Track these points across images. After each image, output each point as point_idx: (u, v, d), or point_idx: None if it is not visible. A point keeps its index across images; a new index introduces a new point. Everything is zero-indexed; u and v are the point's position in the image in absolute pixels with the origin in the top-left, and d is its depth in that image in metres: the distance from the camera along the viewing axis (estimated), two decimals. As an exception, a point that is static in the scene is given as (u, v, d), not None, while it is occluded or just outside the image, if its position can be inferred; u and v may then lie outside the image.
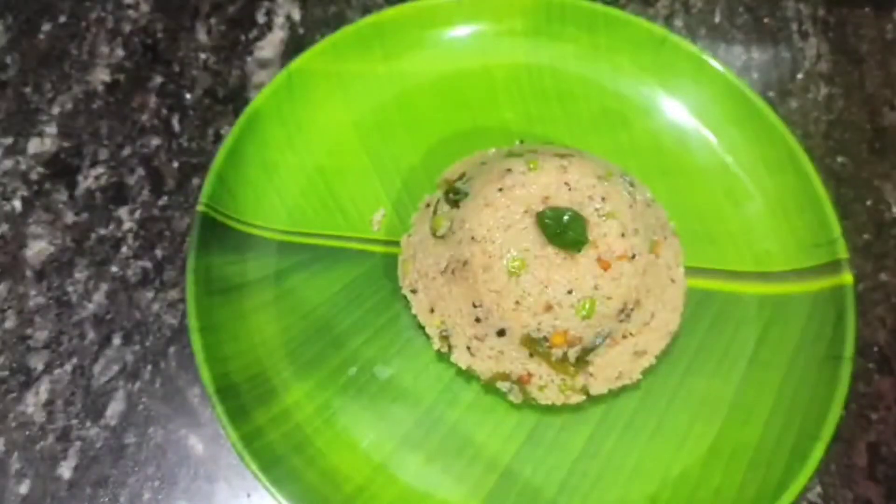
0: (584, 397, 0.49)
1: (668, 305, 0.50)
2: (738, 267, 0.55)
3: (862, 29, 0.68)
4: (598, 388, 0.48)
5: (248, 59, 0.64)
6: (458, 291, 0.49)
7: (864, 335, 0.50)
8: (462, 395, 0.50)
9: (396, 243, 0.54)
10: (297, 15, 0.66)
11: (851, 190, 0.60)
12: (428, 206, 0.54)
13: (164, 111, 0.61)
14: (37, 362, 0.51)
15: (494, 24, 0.62)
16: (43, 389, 0.51)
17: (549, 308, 0.46)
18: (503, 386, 0.49)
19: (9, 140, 0.59)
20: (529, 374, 0.48)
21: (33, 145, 0.59)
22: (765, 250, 0.55)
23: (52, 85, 0.62)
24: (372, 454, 0.48)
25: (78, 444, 0.49)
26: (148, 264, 0.55)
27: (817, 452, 0.46)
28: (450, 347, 0.49)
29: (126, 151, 0.59)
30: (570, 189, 0.49)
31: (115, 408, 0.50)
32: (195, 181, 0.58)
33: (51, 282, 0.54)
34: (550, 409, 0.49)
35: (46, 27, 0.64)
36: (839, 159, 0.61)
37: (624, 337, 0.49)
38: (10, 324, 0.52)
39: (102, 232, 0.56)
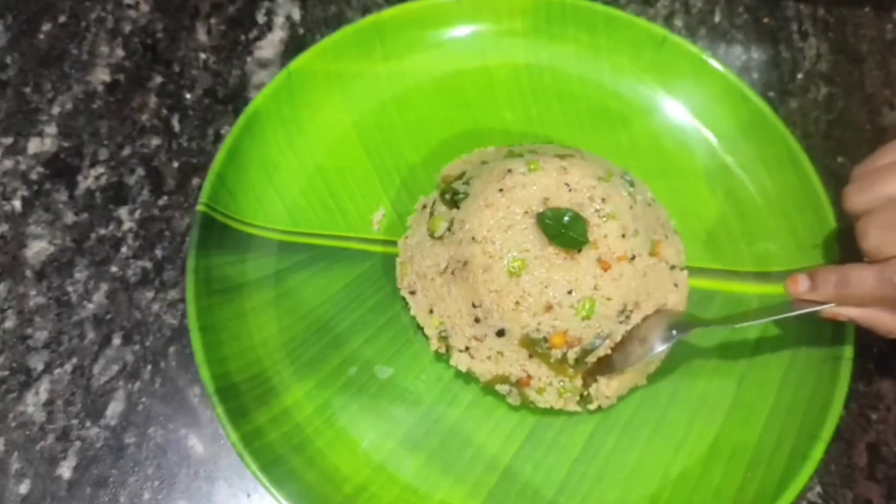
0: (580, 409, 0.49)
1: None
2: (738, 267, 0.55)
3: (862, 29, 0.68)
4: (608, 402, 0.48)
5: (248, 59, 0.64)
6: (457, 292, 0.49)
7: (864, 335, 0.50)
8: (462, 395, 0.50)
9: (397, 243, 0.54)
10: (297, 15, 0.66)
11: (851, 190, 0.60)
12: (424, 207, 0.54)
13: (164, 111, 0.61)
14: (37, 362, 0.51)
15: (494, 24, 0.62)
16: (43, 389, 0.51)
17: (548, 308, 0.46)
18: (502, 389, 0.49)
19: (9, 140, 0.59)
20: (529, 376, 0.48)
21: (33, 145, 0.59)
22: (765, 250, 0.55)
23: (52, 85, 0.62)
24: (372, 454, 0.48)
25: (78, 444, 0.49)
26: (148, 264, 0.55)
27: (817, 452, 0.46)
28: (448, 348, 0.49)
29: (126, 151, 0.59)
30: (570, 190, 0.49)
31: (115, 408, 0.50)
32: (195, 181, 0.58)
33: (51, 282, 0.54)
34: (550, 409, 0.49)
35: (46, 27, 0.64)
36: (839, 159, 0.61)
37: None
38: (10, 324, 0.52)
39: (102, 232, 0.56)
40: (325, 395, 0.49)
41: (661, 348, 0.47)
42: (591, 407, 0.48)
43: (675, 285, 0.51)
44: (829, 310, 0.46)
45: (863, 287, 0.44)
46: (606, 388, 0.48)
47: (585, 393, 0.48)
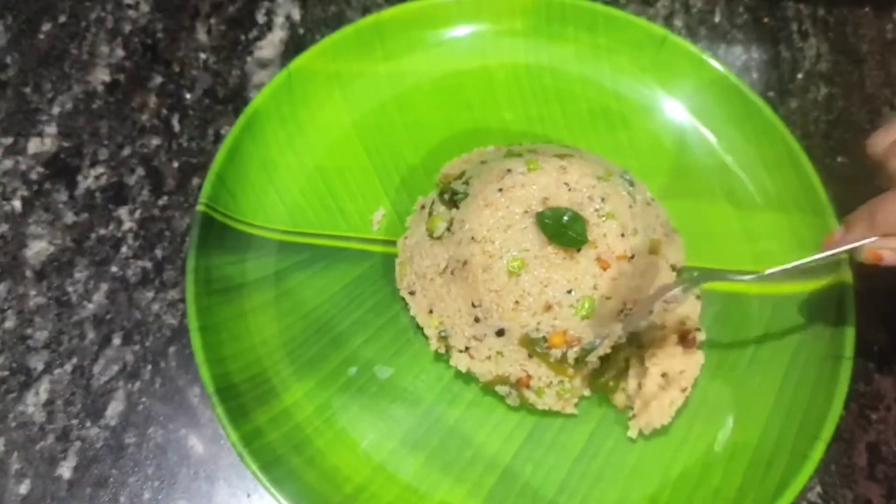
0: (576, 412, 0.49)
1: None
2: (738, 267, 0.55)
3: (862, 29, 0.68)
4: (649, 428, 0.48)
5: (248, 59, 0.64)
6: (457, 292, 0.49)
7: (864, 335, 0.50)
8: (462, 394, 0.50)
9: (396, 243, 0.54)
10: (297, 15, 0.66)
11: (851, 190, 0.60)
12: (423, 207, 0.54)
13: (164, 111, 0.61)
14: (37, 362, 0.51)
15: (494, 24, 0.62)
16: (43, 389, 0.51)
17: (548, 308, 0.46)
18: (502, 390, 0.49)
19: (9, 140, 0.59)
20: (528, 376, 0.48)
21: (33, 145, 0.59)
22: (765, 250, 0.55)
23: (52, 85, 0.62)
24: (372, 454, 0.48)
25: (78, 444, 0.49)
26: (148, 264, 0.55)
27: (817, 452, 0.46)
28: (448, 348, 0.49)
29: (126, 151, 0.59)
30: (569, 189, 0.49)
31: (115, 408, 0.50)
32: (195, 181, 0.58)
33: (51, 282, 0.54)
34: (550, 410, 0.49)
35: (46, 27, 0.64)
36: (839, 159, 0.61)
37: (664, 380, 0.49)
38: (10, 324, 0.52)
39: (102, 232, 0.56)
40: (325, 395, 0.49)
41: (678, 295, 0.47)
42: (631, 435, 0.48)
43: (698, 297, 0.51)
44: (869, 247, 0.42)
45: (890, 204, 0.41)
46: (658, 418, 0.48)
47: (630, 416, 0.48)
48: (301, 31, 0.65)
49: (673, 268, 0.51)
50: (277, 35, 0.65)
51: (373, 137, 0.58)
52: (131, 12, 0.66)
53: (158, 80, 0.62)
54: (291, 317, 0.51)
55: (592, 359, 0.48)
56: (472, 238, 0.48)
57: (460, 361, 0.49)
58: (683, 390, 0.49)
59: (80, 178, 0.58)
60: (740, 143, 0.58)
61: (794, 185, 0.55)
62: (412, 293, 0.51)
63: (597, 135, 0.59)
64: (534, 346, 0.47)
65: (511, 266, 0.47)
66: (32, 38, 0.64)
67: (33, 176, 0.58)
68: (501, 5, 0.62)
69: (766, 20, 0.68)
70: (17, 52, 0.63)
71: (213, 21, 0.65)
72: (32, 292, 0.54)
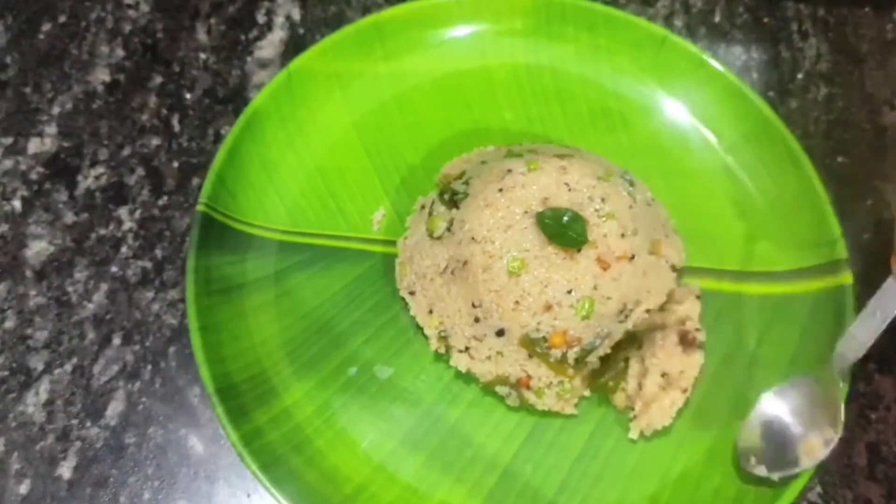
0: (576, 412, 0.49)
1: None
2: (738, 267, 0.55)
3: (862, 29, 0.68)
4: (650, 429, 0.48)
5: (248, 59, 0.64)
6: (457, 292, 0.49)
7: (863, 335, 0.50)
8: (462, 394, 0.50)
9: (396, 243, 0.54)
10: (297, 15, 0.66)
11: (851, 190, 0.60)
12: (423, 207, 0.54)
13: (164, 111, 0.61)
14: (37, 362, 0.51)
15: (494, 24, 0.62)
16: (43, 389, 0.51)
17: (548, 308, 0.46)
18: (502, 390, 0.49)
19: (9, 140, 0.59)
20: (528, 376, 0.48)
21: (33, 145, 0.59)
22: (765, 250, 0.55)
23: (52, 85, 0.62)
24: (372, 454, 0.48)
25: (78, 444, 0.49)
26: (148, 264, 0.55)
27: (817, 452, 0.46)
28: (448, 348, 0.49)
29: (126, 151, 0.59)
30: (569, 189, 0.49)
31: (115, 408, 0.50)
32: (195, 181, 0.58)
33: (51, 282, 0.54)
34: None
35: (46, 27, 0.64)
36: (839, 159, 0.61)
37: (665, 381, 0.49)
38: (10, 324, 0.52)
39: (102, 232, 0.56)
40: (325, 395, 0.49)
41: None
42: (632, 436, 0.48)
43: (697, 297, 0.51)
44: None
45: None
46: (659, 420, 0.48)
47: (631, 416, 0.48)
48: (301, 31, 0.65)
49: (673, 268, 0.51)
50: (277, 35, 0.65)
51: (373, 137, 0.58)
52: (131, 12, 0.66)
53: (158, 80, 0.62)
54: (291, 317, 0.51)
55: (592, 359, 0.48)
56: (473, 238, 0.48)
57: (460, 361, 0.49)
58: (684, 391, 0.49)
59: (80, 178, 0.58)
60: (740, 142, 0.58)
61: (794, 185, 0.55)
62: (412, 293, 0.51)
63: (597, 135, 0.59)
64: (534, 346, 0.47)
65: (511, 266, 0.47)
66: (32, 38, 0.64)
67: (33, 176, 0.58)
68: (501, 5, 0.62)
69: (766, 20, 0.68)
70: (17, 52, 0.63)
71: (213, 21, 0.65)
72: (32, 292, 0.54)
